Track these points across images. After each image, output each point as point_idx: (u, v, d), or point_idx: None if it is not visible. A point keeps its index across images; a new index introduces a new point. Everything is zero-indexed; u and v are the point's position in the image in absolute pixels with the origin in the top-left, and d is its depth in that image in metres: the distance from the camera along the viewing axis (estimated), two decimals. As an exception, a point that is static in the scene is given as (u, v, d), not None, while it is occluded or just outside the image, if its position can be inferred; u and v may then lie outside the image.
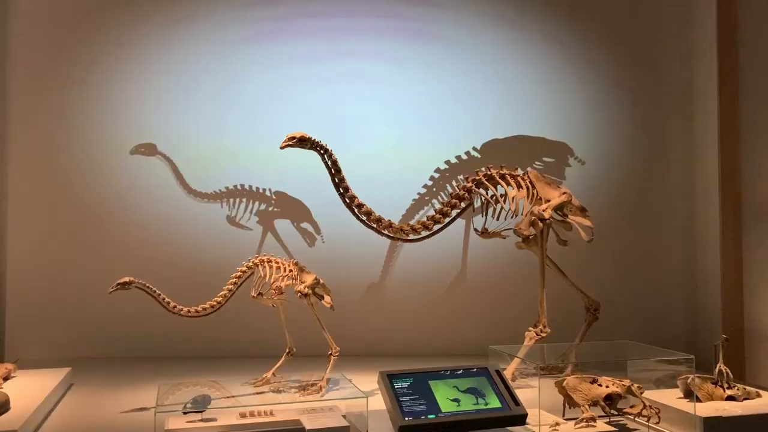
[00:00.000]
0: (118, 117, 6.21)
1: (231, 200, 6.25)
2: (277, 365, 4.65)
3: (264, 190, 6.28)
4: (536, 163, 6.36)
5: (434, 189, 6.29)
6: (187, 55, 6.28)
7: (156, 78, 6.25)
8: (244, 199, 6.26)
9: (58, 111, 6.16)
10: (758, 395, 4.11)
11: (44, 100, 6.15)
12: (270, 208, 6.25)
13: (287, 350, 4.70)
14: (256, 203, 6.25)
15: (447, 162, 6.29)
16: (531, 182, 5.09)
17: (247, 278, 4.70)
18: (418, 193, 6.30)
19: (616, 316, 5.99)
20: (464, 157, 6.31)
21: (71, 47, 6.18)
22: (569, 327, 5.20)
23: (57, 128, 6.16)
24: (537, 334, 4.84)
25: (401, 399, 3.53)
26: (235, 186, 6.25)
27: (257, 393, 4.34)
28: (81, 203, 6.16)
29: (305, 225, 6.27)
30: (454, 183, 6.22)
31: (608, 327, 5.51)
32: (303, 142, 4.57)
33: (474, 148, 6.34)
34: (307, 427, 3.55)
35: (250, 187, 6.25)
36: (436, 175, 6.29)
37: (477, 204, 5.08)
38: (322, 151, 4.64)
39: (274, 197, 6.26)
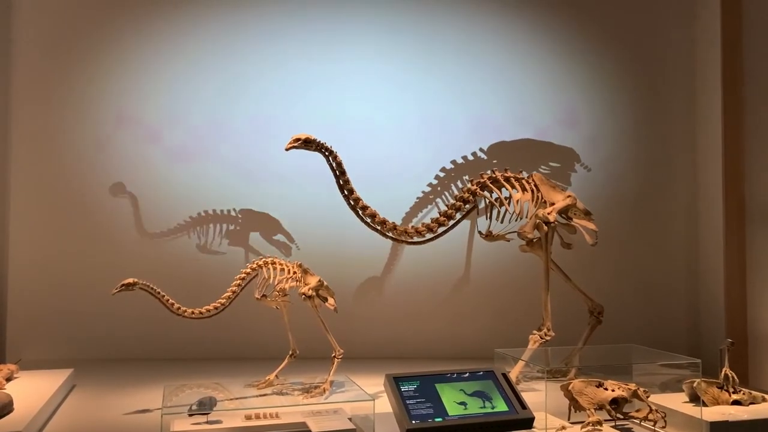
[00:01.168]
0: (121, 117, 6.19)
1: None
2: (280, 367, 4.64)
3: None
4: (542, 167, 6.36)
5: (439, 188, 6.28)
6: (191, 54, 6.26)
7: (159, 77, 6.23)
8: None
9: (61, 111, 6.14)
10: (764, 400, 4.10)
11: (47, 100, 6.13)
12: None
13: (290, 352, 4.69)
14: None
15: (453, 162, 6.28)
16: (535, 185, 5.08)
17: (251, 280, 4.69)
18: (423, 191, 6.28)
19: (620, 320, 5.98)
20: (470, 157, 6.31)
21: (74, 48, 6.16)
22: (572, 330, 5.20)
23: (60, 129, 6.14)
24: (541, 338, 4.83)
25: (408, 402, 3.51)
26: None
27: (261, 395, 4.32)
28: (83, 204, 6.13)
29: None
30: (459, 183, 6.21)
31: (611, 330, 5.50)
32: (308, 143, 4.57)
33: (481, 149, 6.33)
34: (313, 429, 3.53)
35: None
36: (442, 174, 6.28)
37: (482, 206, 5.07)
38: (326, 153, 4.64)
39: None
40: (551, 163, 6.35)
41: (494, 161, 6.20)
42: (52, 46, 6.15)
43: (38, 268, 6.05)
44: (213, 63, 6.27)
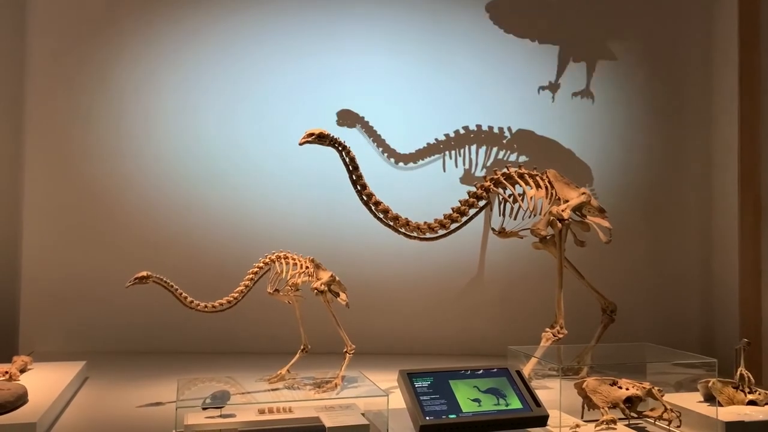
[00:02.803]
0: (133, 113, 6.20)
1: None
2: (292, 362, 4.64)
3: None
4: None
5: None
6: (202, 54, 6.26)
7: (172, 76, 6.23)
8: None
9: (73, 105, 6.16)
10: (779, 400, 4.08)
11: (60, 94, 6.14)
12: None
13: (302, 347, 4.69)
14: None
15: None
16: (550, 182, 5.06)
17: (263, 274, 4.69)
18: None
19: (633, 318, 5.96)
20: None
21: (88, 47, 6.16)
22: (585, 328, 5.17)
23: (72, 122, 6.16)
24: (554, 335, 4.81)
25: (422, 398, 3.50)
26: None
27: (273, 389, 4.33)
28: (96, 196, 6.15)
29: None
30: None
31: (624, 329, 5.48)
32: (322, 138, 4.56)
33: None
34: (327, 425, 3.52)
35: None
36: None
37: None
38: (340, 148, 4.63)
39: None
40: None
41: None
42: (67, 44, 6.15)
43: (51, 260, 6.06)
44: (223, 61, 6.26)
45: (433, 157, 6.26)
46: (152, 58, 6.23)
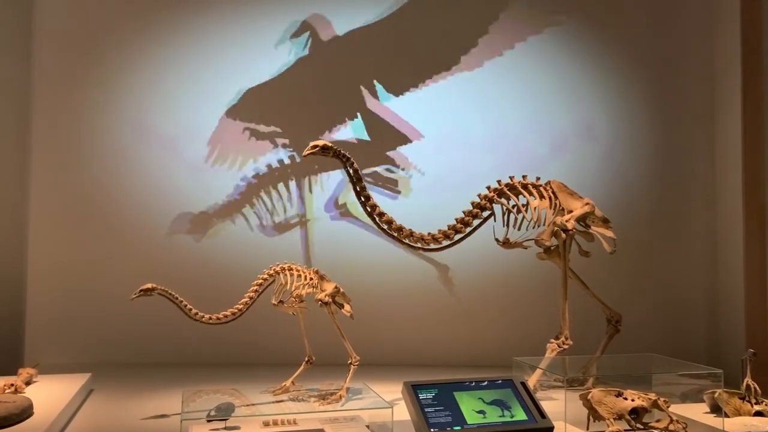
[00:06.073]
0: (139, 125, 6.25)
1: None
2: (296, 373, 4.64)
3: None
4: None
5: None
6: (209, 62, 6.32)
7: (179, 86, 6.29)
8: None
9: (81, 118, 6.21)
10: (786, 411, 4.05)
11: (67, 107, 6.20)
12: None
13: (306, 358, 4.69)
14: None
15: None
16: (553, 192, 5.05)
17: (268, 286, 4.70)
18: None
19: (638, 329, 5.93)
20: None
21: (95, 55, 6.23)
22: (590, 339, 5.16)
23: (79, 134, 6.21)
24: (559, 346, 4.80)
25: (426, 410, 3.50)
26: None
27: (277, 401, 4.32)
28: (102, 209, 6.19)
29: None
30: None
31: (630, 339, 5.45)
32: (326, 150, 4.57)
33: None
34: (331, 437, 3.53)
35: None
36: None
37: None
38: (344, 159, 4.65)
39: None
40: None
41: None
42: (72, 54, 6.22)
43: (57, 272, 6.09)
44: (233, 70, 6.31)
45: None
46: (161, 70, 6.28)
